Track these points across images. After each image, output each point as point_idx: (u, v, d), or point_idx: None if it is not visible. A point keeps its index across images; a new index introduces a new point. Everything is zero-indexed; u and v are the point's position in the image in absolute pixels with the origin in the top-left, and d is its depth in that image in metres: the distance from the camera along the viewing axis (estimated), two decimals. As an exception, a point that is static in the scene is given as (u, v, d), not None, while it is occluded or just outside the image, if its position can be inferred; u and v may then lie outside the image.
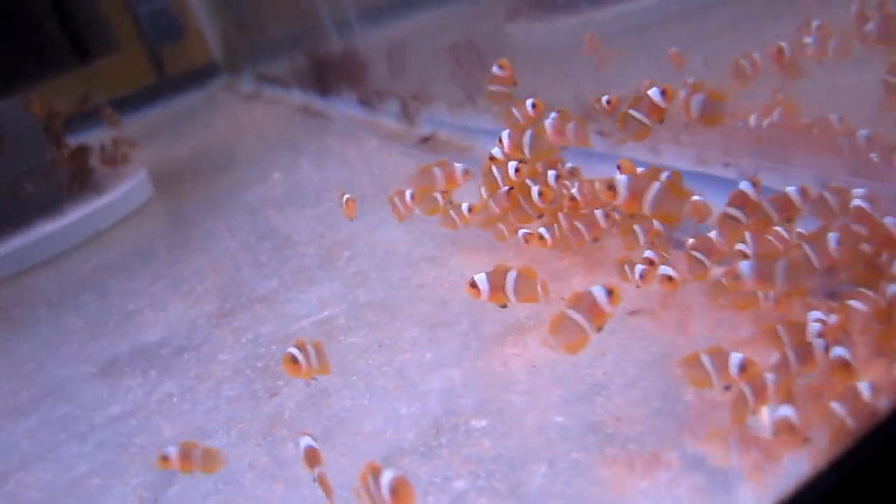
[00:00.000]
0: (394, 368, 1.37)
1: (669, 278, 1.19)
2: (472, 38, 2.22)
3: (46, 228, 2.82)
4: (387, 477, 0.88)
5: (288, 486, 1.17)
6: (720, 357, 0.98)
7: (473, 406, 1.20)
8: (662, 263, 1.25)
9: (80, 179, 3.03)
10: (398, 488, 0.88)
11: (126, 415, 1.54)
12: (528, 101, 1.48)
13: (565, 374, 1.20)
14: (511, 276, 1.24)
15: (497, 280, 1.25)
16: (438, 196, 1.61)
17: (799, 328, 1.01)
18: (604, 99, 1.40)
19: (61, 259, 2.79)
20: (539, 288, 1.26)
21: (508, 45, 2.40)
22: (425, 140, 2.56)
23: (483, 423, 1.16)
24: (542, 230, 1.42)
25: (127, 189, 3.08)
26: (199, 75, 5.95)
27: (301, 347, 1.23)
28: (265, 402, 1.41)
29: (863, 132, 1.22)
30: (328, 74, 3.50)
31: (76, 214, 2.90)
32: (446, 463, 1.11)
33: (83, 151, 3.14)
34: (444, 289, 1.57)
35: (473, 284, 1.25)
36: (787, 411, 0.88)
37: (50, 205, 2.90)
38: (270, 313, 1.76)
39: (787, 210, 1.14)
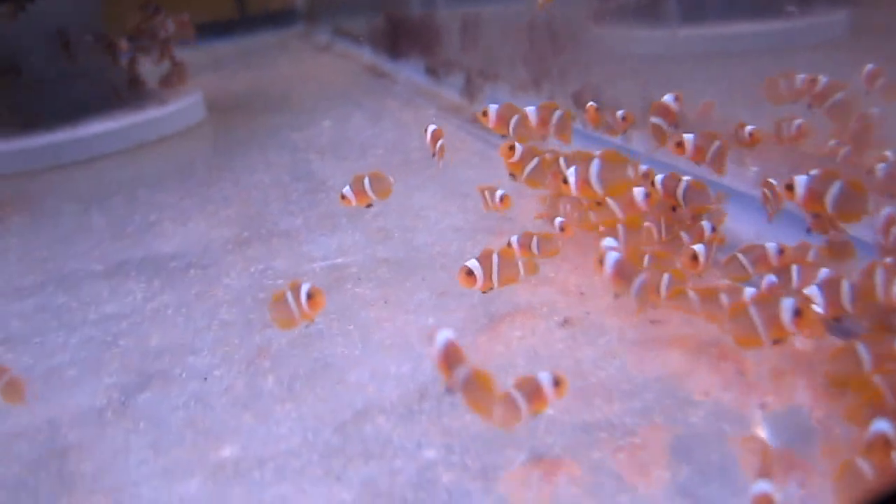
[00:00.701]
0: (394, 326, 1.31)
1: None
2: (552, 23, 2.14)
3: (91, 129, 2.83)
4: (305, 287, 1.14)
5: (257, 418, 1.12)
6: None
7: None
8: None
9: (134, 89, 3.03)
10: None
11: (119, 316, 1.51)
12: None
13: (566, 369, 1.12)
14: (494, 258, 1.21)
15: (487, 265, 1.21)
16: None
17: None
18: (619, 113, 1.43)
19: (101, 162, 2.79)
20: (521, 268, 1.22)
21: (591, 44, 2.33)
22: (481, 118, 2.49)
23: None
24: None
25: (179, 108, 3.07)
26: (278, 19, 5.99)
27: (295, 290, 1.18)
28: (257, 331, 1.37)
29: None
30: (401, 38, 3.45)
31: (124, 121, 2.90)
32: (423, 430, 1.05)
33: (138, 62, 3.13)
34: (464, 260, 1.50)
35: (469, 272, 1.21)
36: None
37: (100, 107, 2.90)
38: (286, 249, 1.72)
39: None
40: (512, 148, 1.39)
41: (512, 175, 1.41)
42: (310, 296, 1.17)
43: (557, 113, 1.36)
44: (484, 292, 1.25)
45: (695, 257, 1.17)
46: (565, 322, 1.24)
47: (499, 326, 1.26)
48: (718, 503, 0.86)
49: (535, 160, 1.39)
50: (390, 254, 1.61)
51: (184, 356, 1.32)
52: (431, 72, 3.04)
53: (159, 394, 1.22)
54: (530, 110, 1.39)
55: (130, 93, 3.03)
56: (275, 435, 1.08)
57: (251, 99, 3.72)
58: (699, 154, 1.19)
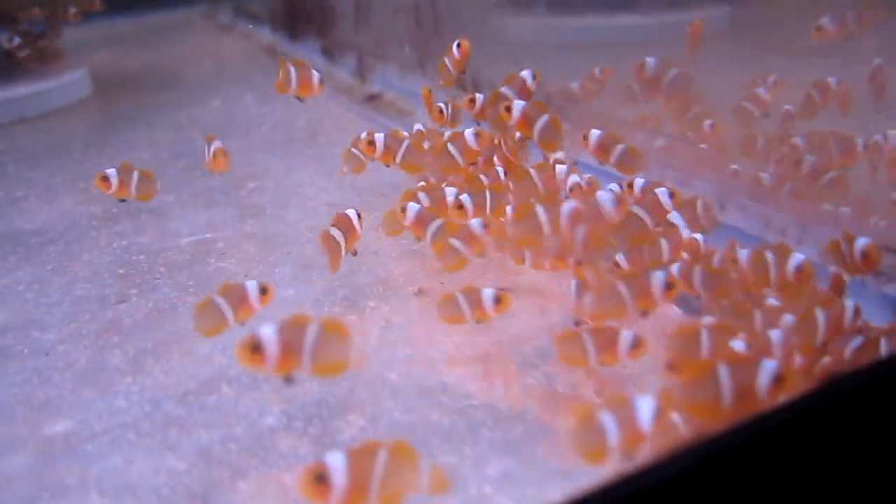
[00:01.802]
0: (251, 299, 1.29)
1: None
2: (435, 4, 2.15)
3: (-38, 102, 2.67)
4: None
5: (97, 392, 1.08)
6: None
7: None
8: None
9: (10, 63, 2.87)
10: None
11: (-34, 291, 1.43)
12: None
13: (418, 337, 1.14)
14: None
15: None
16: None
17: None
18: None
19: (-28, 136, 2.64)
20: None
21: (487, 30, 2.35)
22: (372, 98, 2.48)
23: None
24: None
25: (61, 83, 2.93)
26: (179, -3, 5.76)
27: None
28: (111, 307, 1.32)
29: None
30: (299, 18, 3.39)
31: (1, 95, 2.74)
32: (267, 398, 1.04)
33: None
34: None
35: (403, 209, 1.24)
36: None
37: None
38: (154, 226, 1.67)
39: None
40: (371, 143, 1.39)
41: (387, 164, 1.41)
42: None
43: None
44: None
45: (460, 206, 1.23)
46: (420, 292, 1.25)
47: (356, 297, 1.26)
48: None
49: (406, 144, 1.39)
50: (259, 229, 1.58)
51: (29, 332, 1.27)
52: (327, 52, 3.01)
53: (1, 368, 1.16)
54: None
55: (5, 67, 2.86)
56: (113, 408, 1.05)
57: (143, 77, 3.58)
58: (525, 123, 1.23)
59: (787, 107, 1.43)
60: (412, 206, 1.23)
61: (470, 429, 0.94)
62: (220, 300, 1.00)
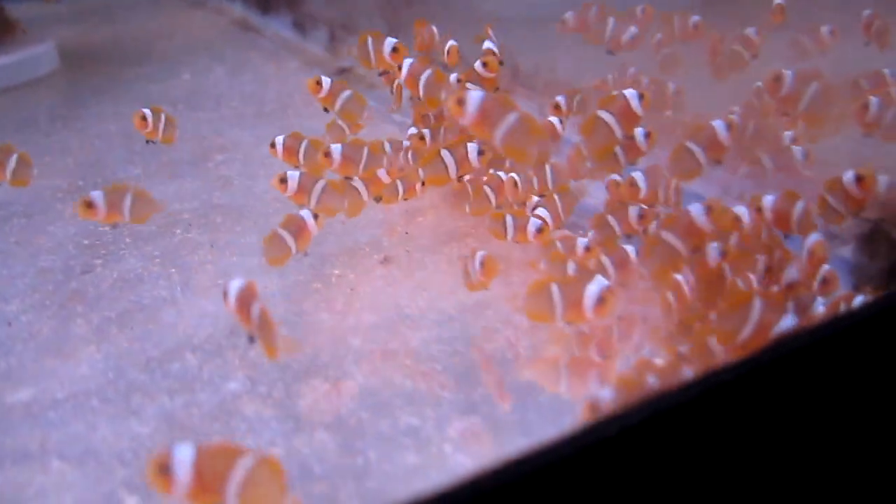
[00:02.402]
0: (217, 268, 1.29)
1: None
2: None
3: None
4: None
5: (60, 361, 1.08)
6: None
7: (279, 316, 1.13)
8: None
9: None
10: None
11: (-74, 264, 1.41)
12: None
13: (380, 302, 1.14)
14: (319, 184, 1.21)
15: (306, 183, 1.21)
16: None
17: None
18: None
19: (-65, 111, 2.58)
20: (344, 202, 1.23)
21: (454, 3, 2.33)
22: (342, 71, 2.46)
23: (282, 332, 1.09)
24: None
25: (25, 57, 2.87)
26: (153, -28, 5.66)
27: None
28: (75, 277, 1.31)
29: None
30: (270, -9, 3.35)
31: (-37, 69, 2.69)
32: (229, 364, 1.04)
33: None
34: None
35: (283, 179, 1.21)
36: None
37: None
38: (120, 198, 1.65)
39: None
40: (319, 83, 1.38)
41: (325, 109, 1.40)
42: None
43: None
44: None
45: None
46: (385, 260, 1.25)
47: (321, 265, 1.26)
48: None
49: (348, 92, 1.38)
50: (226, 200, 1.57)
51: (-7, 304, 1.26)
52: (298, 26, 2.97)
53: (-40, 338, 1.15)
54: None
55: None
56: (76, 376, 1.05)
57: (112, 52, 3.52)
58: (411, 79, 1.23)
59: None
60: (291, 176, 1.22)
61: (431, 391, 0.95)
62: (283, 231, 1.12)
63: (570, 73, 1.77)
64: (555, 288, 0.90)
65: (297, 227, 1.13)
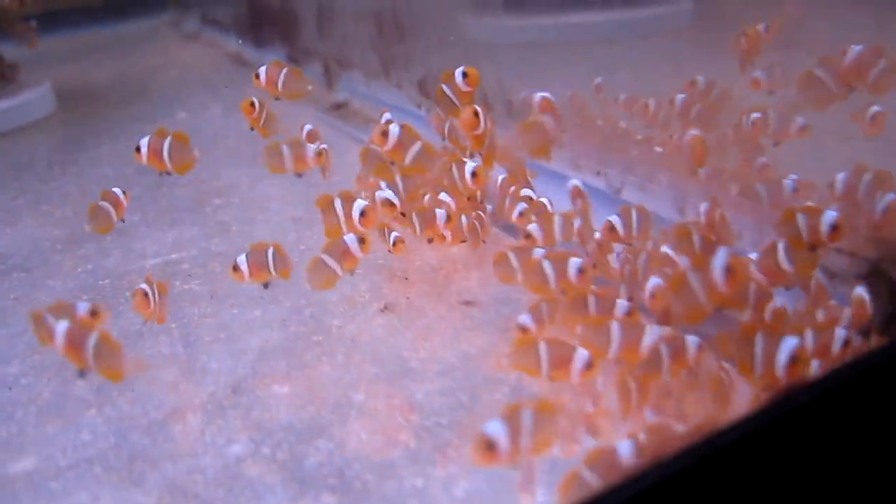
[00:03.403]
0: (217, 321, 1.28)
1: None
2: (396, 10, 2.14)
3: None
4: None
5: (62, 426, 1.07)
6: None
7: (282, 371, 1.12)
8: None
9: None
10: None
11: (-74, 324, 1.41)
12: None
13: (381, 354, 1.14)
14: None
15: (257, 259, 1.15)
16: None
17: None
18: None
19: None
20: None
21: (445, 30, 2.34)
22: (339, 107, 2.47)
23: (285, 389, 1.09)
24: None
25: (23, 101, 2.89)
26: (147, 6, 5.71)
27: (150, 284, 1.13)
28: (75, 335, 1.30)
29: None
30: (264, 26, 3.37)
31: (-40, 115, 2.70)
32: (232, 425, 1.03)
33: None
34: (299, 250, 1.49)
35: (235, 268, 1.14)
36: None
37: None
38: (119, 247, 1.65)
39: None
40: (252, 104, 1.45)
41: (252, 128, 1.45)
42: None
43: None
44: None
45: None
46: (385, 308, 1.24)
47: (322, 316, 1.25)
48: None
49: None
50: (225, 247, 1.57)
51: (-7, 366, 1.25)
52: (292, 60, 2.99)
53: (-39, 405, 1.15)
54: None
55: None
56: (79, 442, 1.04)
57: (109, 90, 3.54)
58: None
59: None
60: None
61: (437, 448, 0.94)
62: (327, 257, 1.10)
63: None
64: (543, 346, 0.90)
65: (340, 252, 1.11)
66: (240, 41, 3.80)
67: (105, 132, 2.67)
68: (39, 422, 1.09)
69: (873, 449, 0.72)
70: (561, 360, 0.89)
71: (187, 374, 1.15)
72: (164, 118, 2.72)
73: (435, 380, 1.07)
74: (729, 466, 0.64)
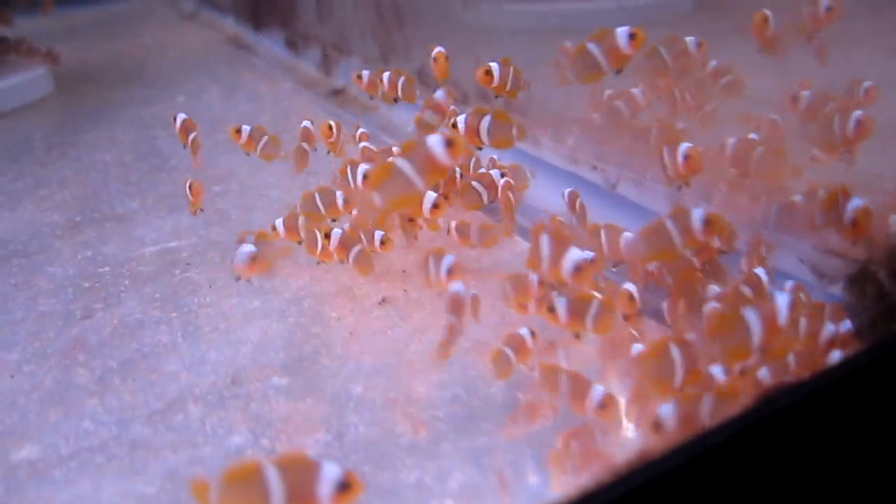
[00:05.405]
0: (217, 311, 1.30)
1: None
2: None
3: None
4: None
5: (64, 414, 1.09)
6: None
7: (280, 362, 1.14)
8: None
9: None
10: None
11: (-73, 312, 1.42)
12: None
13: (379, 346, 1.15)
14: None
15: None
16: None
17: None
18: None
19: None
20: None
21: (445, 17, 2.33)
22: (336, 93, 2.47)
23: (284, 381, 1.10)
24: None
25: (19, 81, 2.87)
26: (145, -17, 5.65)
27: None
28: (76, 323, 1.32)
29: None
30: (262, 8, 3.35)
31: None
32: (232, 416, 1.05)
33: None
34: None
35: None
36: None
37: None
38: (118, 234, 1.66)
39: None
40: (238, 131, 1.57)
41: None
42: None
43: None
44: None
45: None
46: (383, 301, 1.26)
47: (320, 307, 1.27)
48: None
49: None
50: (224, 236, 1.58)
51: (-6, 353, 1.26)
52: (291, 44, 2.98)
53: (-36, 391, 1.16)
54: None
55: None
56: (81, 431, 1.05)
57: (106, 71, 3.52)
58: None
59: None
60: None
61: (432, 441, 0.96)
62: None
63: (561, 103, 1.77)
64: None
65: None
66: (237, 24, 3.78)
67: (102, 115, 2.66)
68: (42, 410, 1.11)
69: (860, 447, 0.74)
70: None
71: (187, 364, 1.17)
72: (162, 102, 2.72)
73: (432, 373, 1.08)
74: (717, 466, 0.66)
